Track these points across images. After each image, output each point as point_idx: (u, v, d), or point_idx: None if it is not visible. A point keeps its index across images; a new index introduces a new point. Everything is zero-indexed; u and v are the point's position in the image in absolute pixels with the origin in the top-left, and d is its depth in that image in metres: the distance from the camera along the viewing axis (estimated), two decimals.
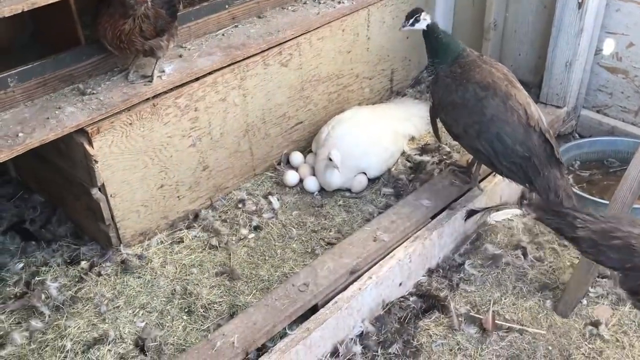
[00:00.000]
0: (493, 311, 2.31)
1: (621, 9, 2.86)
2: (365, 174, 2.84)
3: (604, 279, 2.42)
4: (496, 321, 2.28)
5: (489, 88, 2.32)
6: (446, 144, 3.00)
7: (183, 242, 2.56)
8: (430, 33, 2.43)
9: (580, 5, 2.80)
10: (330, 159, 2.70)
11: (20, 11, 1.94)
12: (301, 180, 2.87)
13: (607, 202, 2.32)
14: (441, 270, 2.50)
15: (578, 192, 2.70)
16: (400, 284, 2.38)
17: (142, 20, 2.21)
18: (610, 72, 3.03)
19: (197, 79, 2.47)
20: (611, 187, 2.74)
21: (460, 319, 2.30)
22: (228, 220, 2.67)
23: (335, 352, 2.18)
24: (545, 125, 2.34)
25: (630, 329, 2.25)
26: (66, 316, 2.25)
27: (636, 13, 2.82)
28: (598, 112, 3.15)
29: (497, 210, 2.69)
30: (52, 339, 2.18)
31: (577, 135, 3.21)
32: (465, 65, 2.38)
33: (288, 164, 2.99)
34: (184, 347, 2.15)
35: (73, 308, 2.28)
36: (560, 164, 2.33)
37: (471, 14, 3.40)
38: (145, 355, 2.12)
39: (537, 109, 2.37)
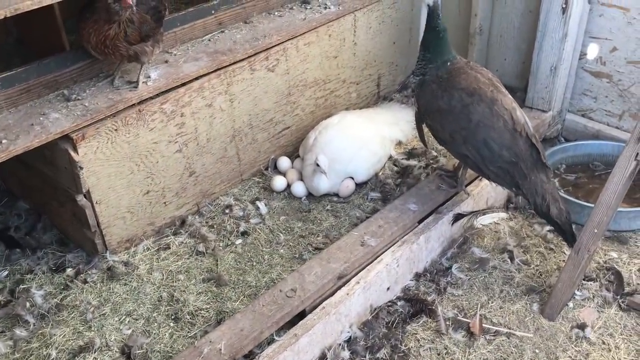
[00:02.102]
0: (480, 315, 2.32)
1: (604, 14, 2.89)
2: (352, 178, 2.84)
3: (590, 282, 2.44)
4: (483, 325, 2.29)
5: (475, 94, 2.33)
6: (433, 149, 3.01)
7: (170, 248, 2.55)
8: (430, 16, 2.40)
9: (564, 10, 2.83)
10: (318, 164, 2.70)
11: (2, 17, 1.92)
12: (289, 186, 2.87)
13: (593, 205, 2.34)
14: (428, 275, 2.50)
15: (564, 195, 2.72)
16: (388, 289, 2.38)
17: (126, 25, 2.19)
18: (594, 77, 3.06)
19: (183, 85, 2.46)
20: (596, 190, 2.76)
21: (447, 323, 2.30)
22: (215, 226, 2.66)
23: (323, 358, 2.17)
24: (531, 130, 2.36)
25: (615, 332, 2.26)
26: (51, 324, 2.22)
27: (619, 18, 2.86)
28: (583, 116, 3.18)
29: (484, 214, 2.71)
30: (36, 347, 2.16)
31: (562, 139, 3.24)
32: (452, 71, 2.39)
33: (275, 169, 2.98)
34: (170, 354, 2.13)
35: (58, 316, 2.26)
36: (546, 168, 2.34)
37: (457, 19, 3.42)
38: None
39: (523, 113, 2.38)
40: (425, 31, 2.45)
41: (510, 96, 2.40)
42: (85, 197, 2.32)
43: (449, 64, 2.41)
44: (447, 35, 2.44)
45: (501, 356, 2.19)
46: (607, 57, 2.98)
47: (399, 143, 3.12)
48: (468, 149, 2.35)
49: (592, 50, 3.00)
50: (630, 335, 2.24)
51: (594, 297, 2.39)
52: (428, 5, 2.38)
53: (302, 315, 2.18)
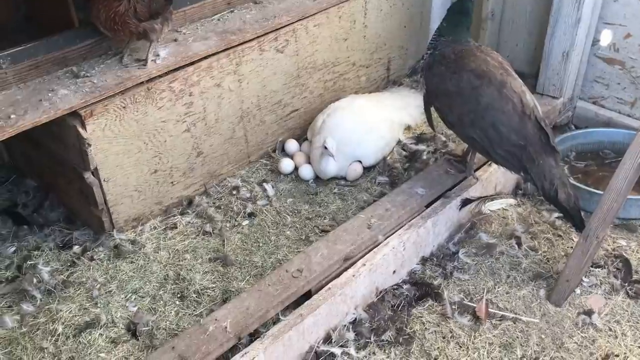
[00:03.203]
0: (486, 300, 2.31)
1: None
2: (360, 162, 2.82)
3: (598, 269, 2.42)
4: (489, 309, 2.28)
5: (484, 76, 2.30)
6: (442, 134, 2.99)
7: (176, 228, 2.55)
8: None
9: None
10: (326, 147, 2.69)
11: None
12: (296, 168, 2.86)
13: (602, 192, 2.32)
14: (435, 259, 2.49)
15: (573, 182, 2.69)
16: (394, 272, 2.38)
17: (136, 1, 2.18)
18: (607, 63, 3.02)
19: (192, 64, 2.44)
20: (606, 178, 2.73)
21: (453, 307, 2.29)
22: (222, 207, 2.65)
23: (328, 339, 2.17)
24: (541, 114, 2.33)
25: (622, 318, 2.25)
26: (58, 300, 2.24)
27: (634, 4, 2.81)
28: (594, 103, 3.15)
29: (492, 200, 2.69)
30: (43, 322, 2.17)
31: (573, 126, 3.21)
32: (460, 52, 2.36)
33: (283, 151, 2.97)
34: (176, 332, 2.14)
35: (65, 292, 2.27)
36: (555, 152, 2.31)
37: None
38: (137, 339, 2.11)
39: (532, 97, 2.36)
40: (454, 3, 2.43)
41: (519, 80, 2.37)
42: (92, 175, 2.32)
43: (458, 43, 2.38)
44: (469, 20, 2.42)
45: (507, 340, 2.19)
46: (620, 44, 2.94)
47: (408, 127, 3.11)
48: (476, 132, 2.32)
49: (606, 37, 2.96)
50: (637, 323, 2.23)
51: (601, 284, 2.38)
52: None
53: (307, 295, 2.18)
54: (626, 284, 2.36)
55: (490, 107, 2.28)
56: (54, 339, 2.11)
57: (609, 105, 3.10)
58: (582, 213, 2.55)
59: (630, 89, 2.99)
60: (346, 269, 2.26)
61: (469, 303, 2.31)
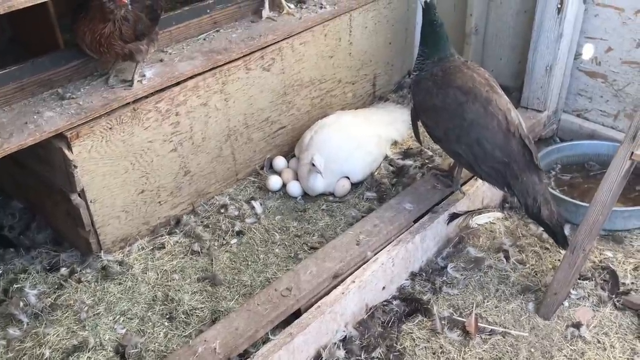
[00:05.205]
0: (476, 314, 2.32)
1: (599, 14, 2.90)
2: (348, 178, 2.83)
3: (585, 281, 2.44)
4: (479, 324, 2.28)
5: (470, 93, 2.32)
6: (428, 148, 3.01)
7: (164, 248, 2.54)
8: (426, 13, 2.40)
9: (559, 10, 2.83)
10: (314, 164, 2.70)
11: None
12: (284, 185, 2.86)
13: (588, 204, 2.34)
14: (424, 274, 2.50)
15: (559, 194, 2.72)
16: (384, 288, 2.38)
17: (121, 23, 2.19)
18: (589, 77, 3.07)
19: (178, 84, 2.45)
20: (592, 190, 2.75)
21: (443, 322, 2.30)
22: (210, 226, 2.65)
23: (318, 357, 2.16)
24: (525, 131, 2.35)
25: (611, 330, 2.26)
26: (45, 324, 2.21)
27: (614, 18, 2.86)
28: (578, 116, 3.19)
29: (479, 214, 2.70)
30: (30, 347, 2.14)
31: (558, 139, 3.24)
32: (447, 69, 2.39)
33: (271, 168, 2.98)
34: (165, 353, 2.12)
35: (52, 315, 2.25)
36: (539, 169, 2.34)
37: (453, 18, 3.42)
38: None
39: (518, 114, 2.38)
40: (423, 26, 2.45)
41: (505, 97, 2.40)
42: (79, 196, 2.31)
43: (445, 61, 2.40)
44: (444, 31, 2.43)
45: (497, 355, 2.19)
46: (602, 57, 2.98)
47: (395, 143, 3.12)
48: (461, 148, 2.35)
49: (587, 50, 3.00)
50: (626, 334, 2.25)
51: (589, 296, 2.39)
52: (425, 2, 2.37)
53: (297, 314, 2.17)
54: (613, 296, 2.37)
55: (475, 124, 2.31)
56: None
57: (593, 117, 3.13)
58: (569, 225, 2.58)
59: (612, 102, 3.03)
60: (335, 286, 2.26)
61: (459, 318, 2.31)
